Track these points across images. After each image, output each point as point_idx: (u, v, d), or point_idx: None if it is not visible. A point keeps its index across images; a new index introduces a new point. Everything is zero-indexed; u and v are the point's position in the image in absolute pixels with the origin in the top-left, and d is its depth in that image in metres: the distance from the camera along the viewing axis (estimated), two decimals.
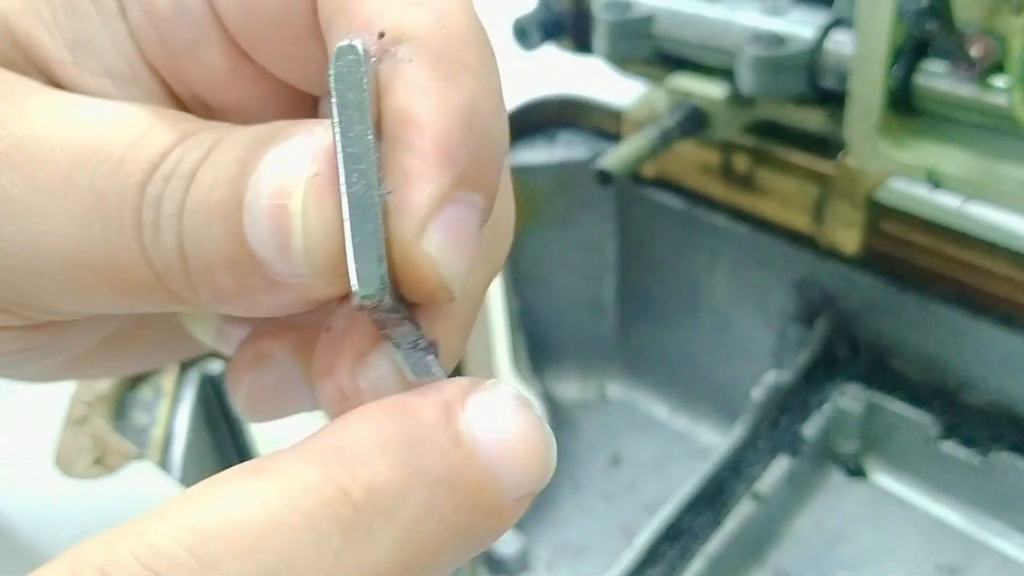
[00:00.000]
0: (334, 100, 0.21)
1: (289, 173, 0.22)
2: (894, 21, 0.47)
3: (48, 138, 0.25)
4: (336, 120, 0.21)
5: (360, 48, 0.22)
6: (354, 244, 0.21)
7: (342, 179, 0.21)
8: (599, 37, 0.60)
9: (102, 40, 0.27)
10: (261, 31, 0.25)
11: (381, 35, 0.22)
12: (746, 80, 0.55)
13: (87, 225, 0.24)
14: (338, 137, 0.21)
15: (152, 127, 0.24)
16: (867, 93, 0.50)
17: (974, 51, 0.45)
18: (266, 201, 0.22)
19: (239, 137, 0.23)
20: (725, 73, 0.57)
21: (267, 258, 0.22)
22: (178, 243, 0.23)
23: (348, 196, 0.21)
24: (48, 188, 0.24)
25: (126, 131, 0.24)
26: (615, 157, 0.55)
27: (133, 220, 0.23)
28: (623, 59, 0.62)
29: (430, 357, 0.23)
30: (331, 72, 0.21)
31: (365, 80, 0.21)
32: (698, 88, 0.58)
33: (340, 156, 0.21)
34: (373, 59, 0.22)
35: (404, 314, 0.22)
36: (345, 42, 0.22)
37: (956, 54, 0.45)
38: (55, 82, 0.27)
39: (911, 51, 0.48)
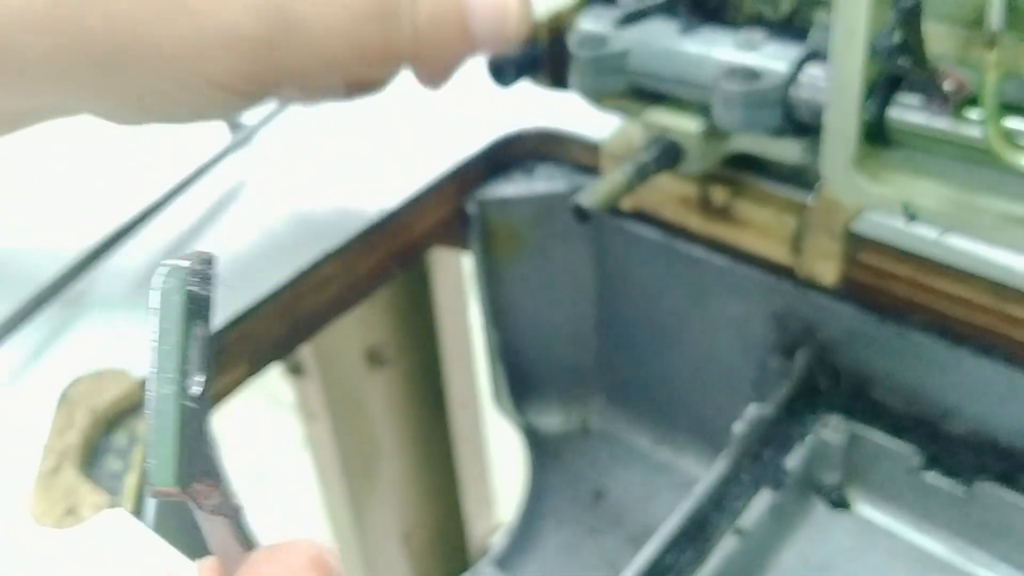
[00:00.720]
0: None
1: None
2: (868, 56, 0.47)
3: None
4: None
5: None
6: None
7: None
8: (575, 73, 0.60)
9: None
10: None
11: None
12: (721, 115, 0.55)
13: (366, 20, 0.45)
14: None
15: None
16: (842, 126, 0.50)
17: (947, 85, 0.45)
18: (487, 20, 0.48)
19: None
20: (701, 107, 0.57)
21: (483, 38, 0.49)
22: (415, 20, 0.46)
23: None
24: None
25: None
26: (591, 194, 0.55)
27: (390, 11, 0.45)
28: (599, 94, 0.62)
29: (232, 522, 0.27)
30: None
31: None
32: (673, 122, 0.58)
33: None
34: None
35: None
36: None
37: (930, 89, 0.45)
38: None
39: (885, 85, 0.48)
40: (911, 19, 0.43)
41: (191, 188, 0.64)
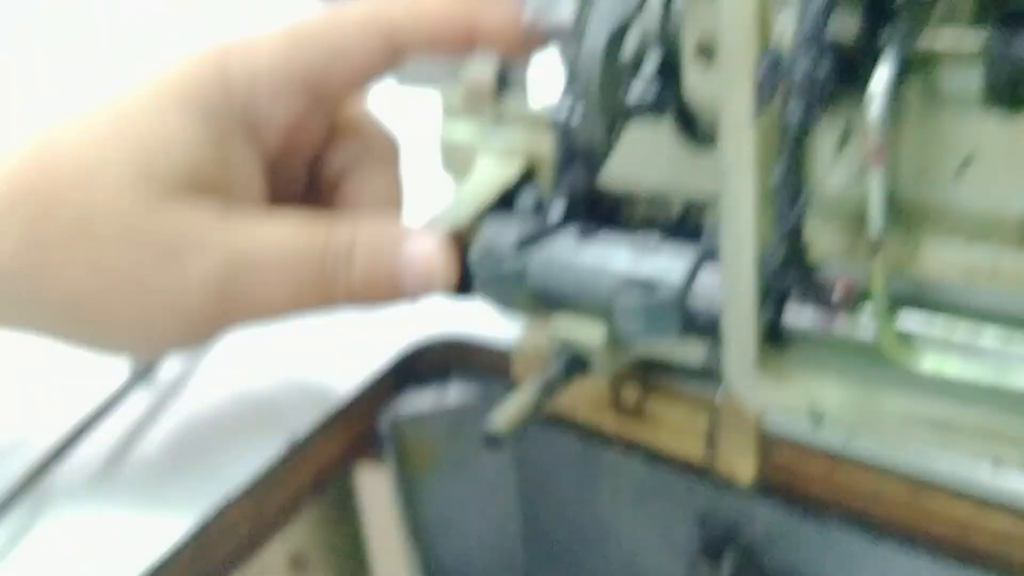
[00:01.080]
0: None
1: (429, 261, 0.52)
2: (758, 268, 0.47)
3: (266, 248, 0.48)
4: None
5: None
6: None
7: None
8: (476, 286, 0.60)
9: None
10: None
11: None
12: (621, 324, 0.55)
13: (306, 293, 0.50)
14: None
15: (315, 227, 0.50)
16: (740, 333, 0.50)
17: (837, 293, 0.46)
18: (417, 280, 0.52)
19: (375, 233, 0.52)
20: (604, 315, 0.57)
21: (413, 293, 0.52)
22: (350, 286, 0.50)
23: None
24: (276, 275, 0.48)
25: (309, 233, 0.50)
26: (501, 419, 0.54)
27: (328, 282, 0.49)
28: (502, 305, 0.62)
29: None
30: None
31: None
32: (576, 334, 0.58)
33: None
34: None
35: None
36: None
37: (819, 300, 0.45)
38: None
39: (778, 293, 0.49)
40: (795, 235, 0.44)
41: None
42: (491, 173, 0.64)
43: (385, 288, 0.51)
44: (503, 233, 0.60)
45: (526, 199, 0.63)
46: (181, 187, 0.48)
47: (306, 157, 0.56)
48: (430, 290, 0.53)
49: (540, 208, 0.63)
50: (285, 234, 0.49)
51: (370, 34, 0.51)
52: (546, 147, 0.62)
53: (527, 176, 0.64)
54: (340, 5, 0.56)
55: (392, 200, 0.57)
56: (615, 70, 0.45)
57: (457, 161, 0.66)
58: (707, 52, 0.48)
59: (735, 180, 0.48)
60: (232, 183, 0.50)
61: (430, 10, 0.52)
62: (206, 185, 0.48)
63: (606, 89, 0.45)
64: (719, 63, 0.46)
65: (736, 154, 0.47)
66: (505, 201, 0.63)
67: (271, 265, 0.48)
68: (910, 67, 0.43)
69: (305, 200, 0.58)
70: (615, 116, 0.46)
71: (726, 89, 0.46)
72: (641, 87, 0.50)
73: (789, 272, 0.44)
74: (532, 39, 0.54)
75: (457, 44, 0.53)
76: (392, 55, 0.52)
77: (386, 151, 0.58)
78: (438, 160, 0.68)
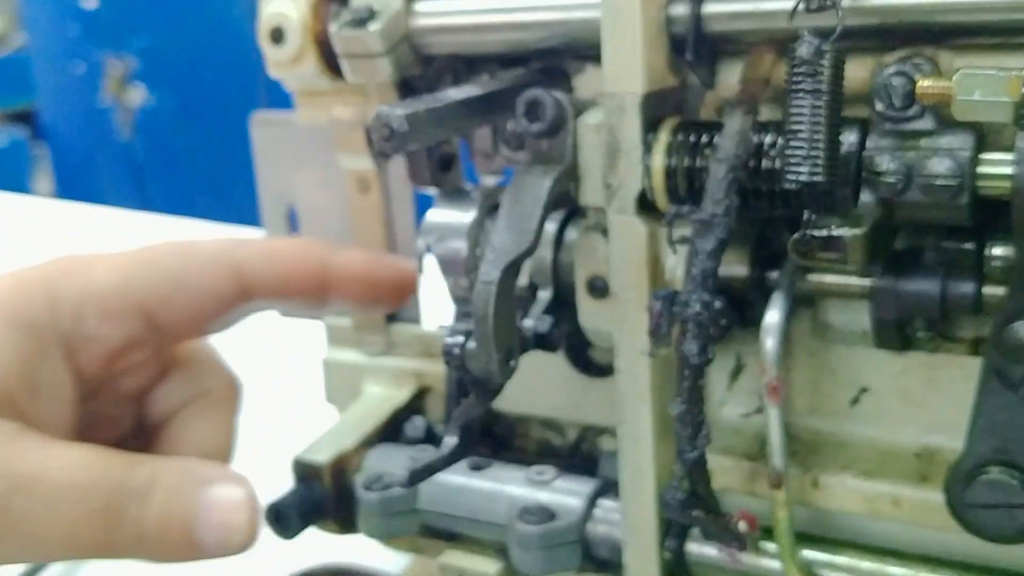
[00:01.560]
0: None
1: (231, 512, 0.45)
2: (660, 501, 0.46)
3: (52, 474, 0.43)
4: None
5: None
6: None
7: None
8: (363, 516, 0.58)
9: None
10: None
11: None
12: (518, 556, 0.53)
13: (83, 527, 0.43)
14: None
15: (114, 459, 0.44)
16: (642, 567, 0.49)
17: (740, 527, 0.45)
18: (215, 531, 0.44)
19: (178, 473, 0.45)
20: (498, 547, 0.55)
21: (208, 548, 0.44)
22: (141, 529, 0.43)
23: None
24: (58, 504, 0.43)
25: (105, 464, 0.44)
26: None
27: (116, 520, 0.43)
28: (391, 536, 0.59)
29: None
30: None
31: None
32: (470, 566, 0.55)
33: None
34: None
35: None
36: None
37: (723, 535, 0.45)
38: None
39: (681, 526, 0.48)
40: (697, 470, 0.43)
41: None
42: (379, 398, 0.63)
43: (179, 535, 0.45)
44: (392, 461, 0.58)
45: (416, 426, 0.61)
46: None
47: (132, 389, 0.51)
48: (227, 545, 0.46)
49: (431, 435, 0.62)
50: (77, 463, 0.44)
51: (217, 269, 0.48)
52: (438, 370, 0.61)
53: (416, 400, 0.63)
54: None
55: (221, 450, 0.51)
56: (509, 303, 0.45)
57: (342, 389, 0.64)
58: (600, 288, 0.48)
59: (633, 413, 0.47)
60: (37, 403, 0.45)
61: (281, 253, 0.49)
62: (5, 402, 0.44)
63: (500, 322, 0.45)
64: (612, 299, 0.46)
65: (633, 387, 0.47)
66: (393, 427, 0.62)
67: (54, 493, 0.43)
68: (801, 304, 0.44)
69: (130, 444, 0.50)
70: (510, 348, 0.46)
71: (620, 325, 0.46)
72: (534, 320, 0.50)
73: (692, 505, 0.43)
74: (393, 292, 0.52)
75: (309, 292, 0.50)
76: (241, 294, 0.48)
77: (224, 394, 0.52)
78: (321, 389, 0.66)
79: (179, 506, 0.44)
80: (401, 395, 0.63)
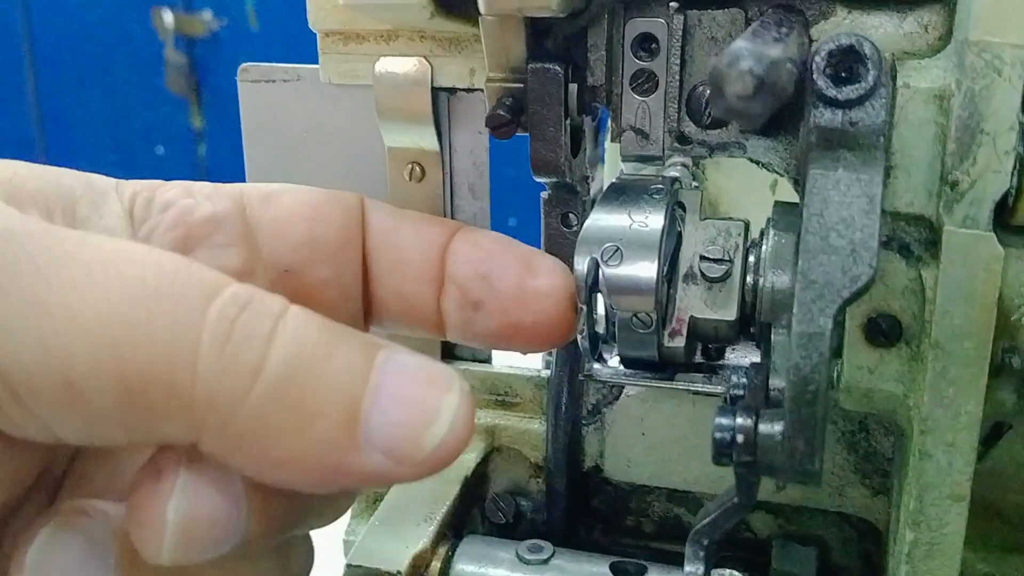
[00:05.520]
0: None
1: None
2: None
3: None
4: None
5: None
6: None
7: None
8: None
9: None
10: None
11: None
12: None
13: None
14: None
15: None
16: None
17: None
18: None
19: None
20: None
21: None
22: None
23: None
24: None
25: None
26: None
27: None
28: None
29: None
30: None
31: None
32: None
33: None
34: None
35: None
36: None
37: None
38: None
39: None
40: None
41: None
42: None
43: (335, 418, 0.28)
44: (496, 567, 0.41)
45: (501, 507, 0.44)
46: None
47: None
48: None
49: (519, 517, 0.45)
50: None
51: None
52: (515, 424, 0.45)
53: (480, 466, 0.46)
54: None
55: None
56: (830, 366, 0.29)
57: None
58: (887, 332, 0.33)
59: (938, 514, 0.33)
60: None
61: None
62: None
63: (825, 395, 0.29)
64: (916, 350, 0.31)
65: (947, 475, 0.32)
66: (463, 506, 0.44)
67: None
68: None
69: None
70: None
71: (938, 391, 0.31)
72: None
73: None
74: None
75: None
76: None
77: None
78: None
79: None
80: (467, 460, 0.45)
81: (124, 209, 0.33)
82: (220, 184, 0.36)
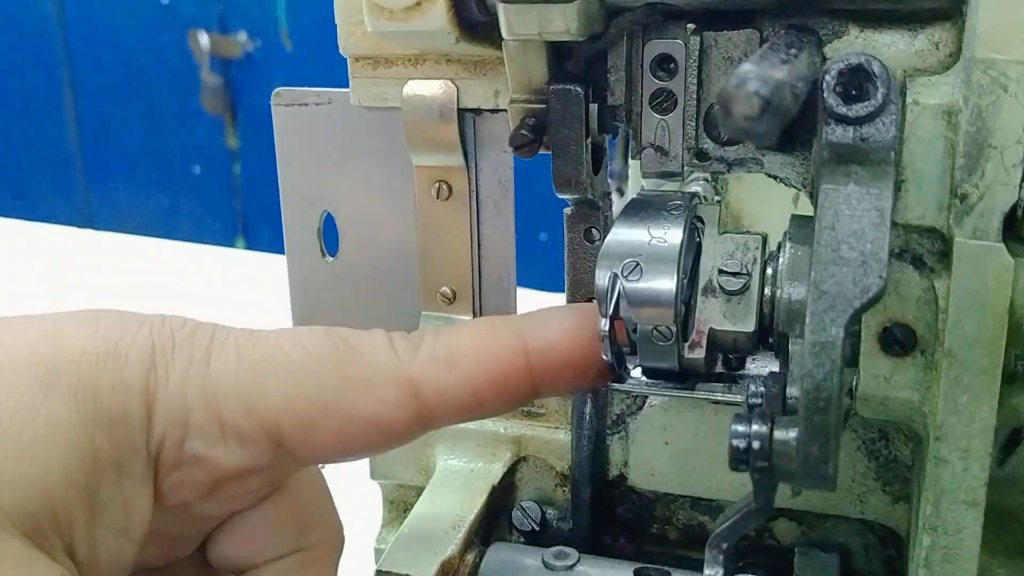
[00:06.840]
0: None
1: None
2: None
3: None
4: None
5: None
6: None
7: None
8: None
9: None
10: None
11: None
12: None
13: None
14: None
15: None
16: None
17: None
18: None
19: None
20: None
21: None
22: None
23: None
24: None
25: None
26: None
27: None
28: None
29: None
30: None
31: None
32: None
33: None
34: None
35: None
36: None
37: None
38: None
39: None
40: None
41: None
42: (463, 475, 0.46)
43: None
44: (522, 573, 0.42)
45: (527, 515, 0.46)
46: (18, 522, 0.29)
47: (218, 514, 0.35)
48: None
49: (545, 524, 0.46)
50: None
51: (387, 389, 0.34)
52: (541, 435, 0.46)
53: (508, 475, 0.47)
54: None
55: None
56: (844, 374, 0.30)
57: (398, 462, 0.48)
58: (901, 341, 0.34)
59: (955, 518, 0.34)
60: (92, 532, 0.31)
61: (472, 359, 0.36)
62: (48, 524, 0.28)
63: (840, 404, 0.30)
64: (931, 359, 0.32)
65: (962, 480, 0.33)
66: (489, 514, 0.45)
67: None
68: None
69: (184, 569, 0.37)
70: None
71: (951, 399, 0.32)
72: None
73: None
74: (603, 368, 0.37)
75: (511, 402, 0.37)
76: (417, 420, 0.34)
77: (326, 551, 0.39)
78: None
79: None
80: (494, 469, 0.46)
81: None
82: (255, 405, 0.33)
